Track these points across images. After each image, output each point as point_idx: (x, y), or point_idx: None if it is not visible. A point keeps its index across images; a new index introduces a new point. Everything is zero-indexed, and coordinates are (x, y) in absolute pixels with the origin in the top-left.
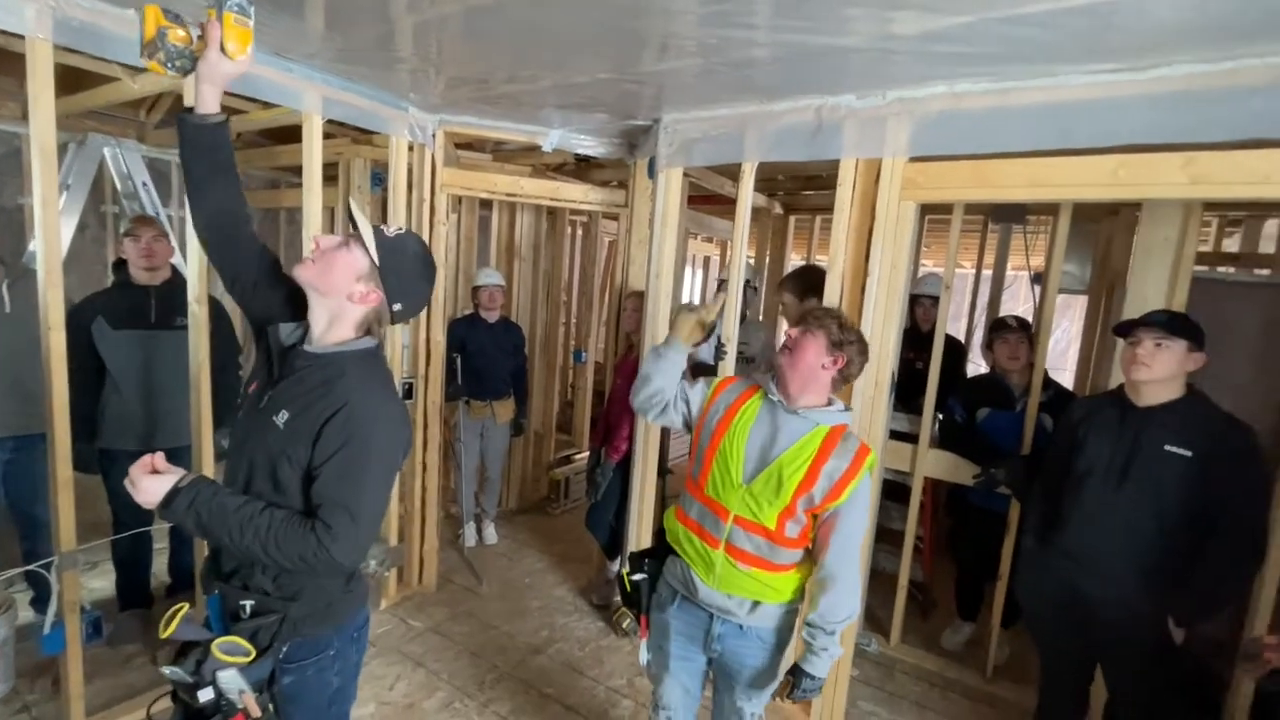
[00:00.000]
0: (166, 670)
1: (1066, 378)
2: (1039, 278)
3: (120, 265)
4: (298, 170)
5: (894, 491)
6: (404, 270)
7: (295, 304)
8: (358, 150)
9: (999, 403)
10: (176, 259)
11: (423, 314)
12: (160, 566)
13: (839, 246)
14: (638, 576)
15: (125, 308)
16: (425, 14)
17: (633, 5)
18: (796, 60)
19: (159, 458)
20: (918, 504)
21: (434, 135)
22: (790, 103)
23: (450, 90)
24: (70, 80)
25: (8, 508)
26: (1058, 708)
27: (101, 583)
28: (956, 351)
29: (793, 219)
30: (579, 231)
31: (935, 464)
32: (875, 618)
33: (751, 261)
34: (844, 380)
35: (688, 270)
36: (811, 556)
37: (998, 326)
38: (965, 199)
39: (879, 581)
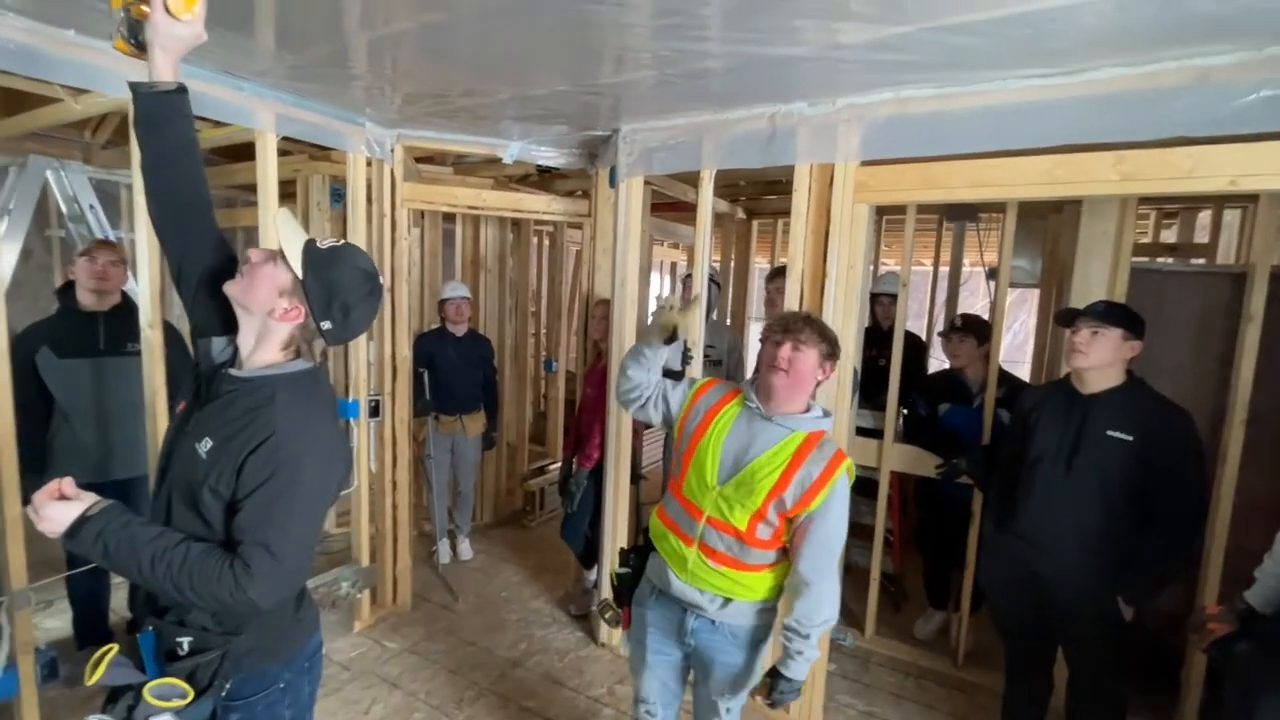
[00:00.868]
0: (93, 719)
1: (1024, 369)
2: (994, 273)
3: (66, 290)
4: (253, 189)
5: (862, 487)
6: (338, 285)
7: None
8: (315, 167)
9: (957, 398)
10: (129, 285)
11: (388, 330)
12: (119, 602)
13: (798, 249)
14: (622, 570)
15: (72, 335)
16: (379, 31)
17: (583, 19)
18: (749, 70)
19: (67, 483)
20: (885, 498)
21: (392, 150)
22: (745, 111)
23: (407, 105)
24: (10, 102)
25: None
26: (1023, 688)
27: (56, 622)
28: (917, 347)
29: (755, 223)
30: (545, 241)
31: (901, 458)
32: (849, 611)
33: (717, 264)
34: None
35: (654, 276)
36: (788, 559)
37: (947, 326)
38: (915, 200)
39: (852, 576)
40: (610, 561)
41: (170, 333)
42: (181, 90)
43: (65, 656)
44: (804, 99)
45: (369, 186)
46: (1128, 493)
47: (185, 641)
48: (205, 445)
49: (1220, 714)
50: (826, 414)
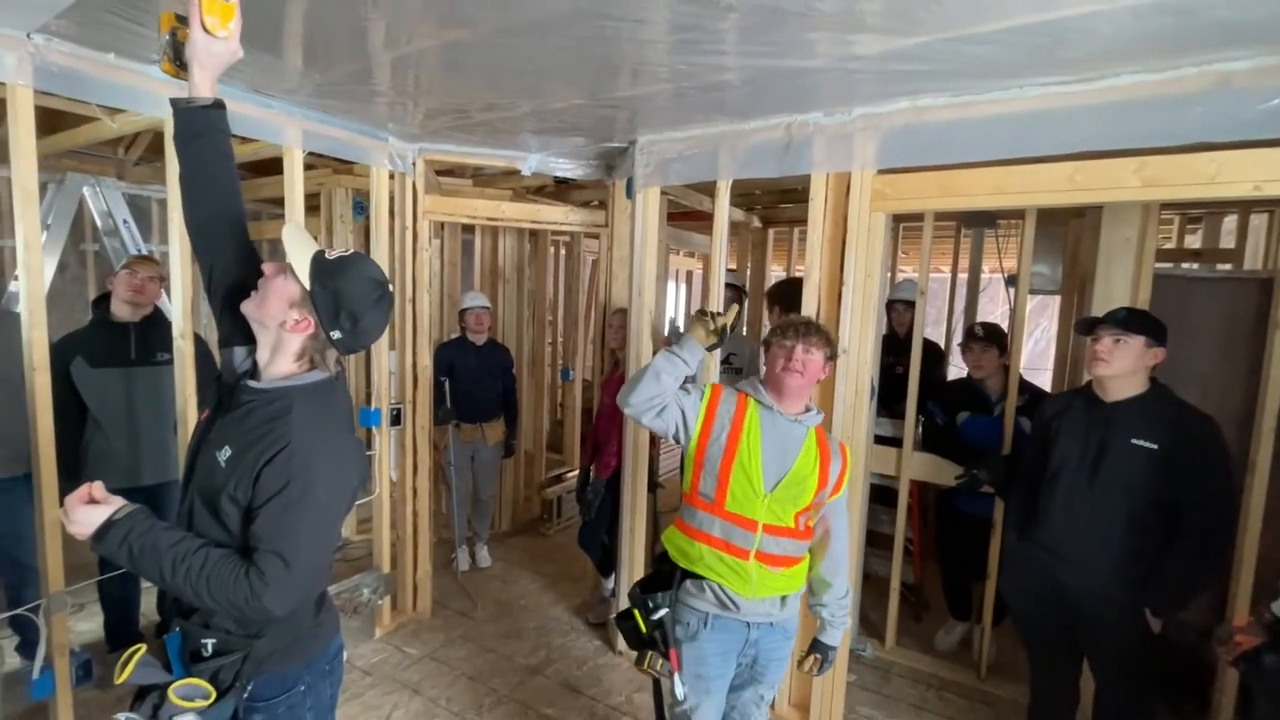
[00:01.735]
0: (121, 717)
1: (1046, 377)
2: (1013, 280)
3: (100, 301)
4: (279, 202)
5: (882, 495)
6: (345, 294)
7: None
8: (339, 180)
9: (976, 407)
10: (161, 299)
11: (409, 339)
12: (150, 606)
13: (814, 258)
14: (660, 614)
15: (104, 345)
16: (402, 49)
17: (601, 35)
18: (765, 82)
19: (97, 487)
20: (905, 506)
21: (414, 163)
22: (761, 121)
23: (429, 120)
24: (49, 121)
25: None
26: (1049, 701)
27: (88, 625)
28: (935, 355)
29: (771, 231)
30: (562, 251)
31: (920, 466)
32: (869, 622)
33: (734, 270)
34: None
35: (671, 285)
36: (819, 545)
37: (967, 336)
38: (933, 208)
39: (871, 585)
40: (625, 595)
41: (199, 345)
42: (219, 105)
43: (97, 659)
44: (820, 109)
45: (391, 199)
46: (1153, 501)
47: (209, 643)
48: (225, 454)
49: None
50: (818, 410)
